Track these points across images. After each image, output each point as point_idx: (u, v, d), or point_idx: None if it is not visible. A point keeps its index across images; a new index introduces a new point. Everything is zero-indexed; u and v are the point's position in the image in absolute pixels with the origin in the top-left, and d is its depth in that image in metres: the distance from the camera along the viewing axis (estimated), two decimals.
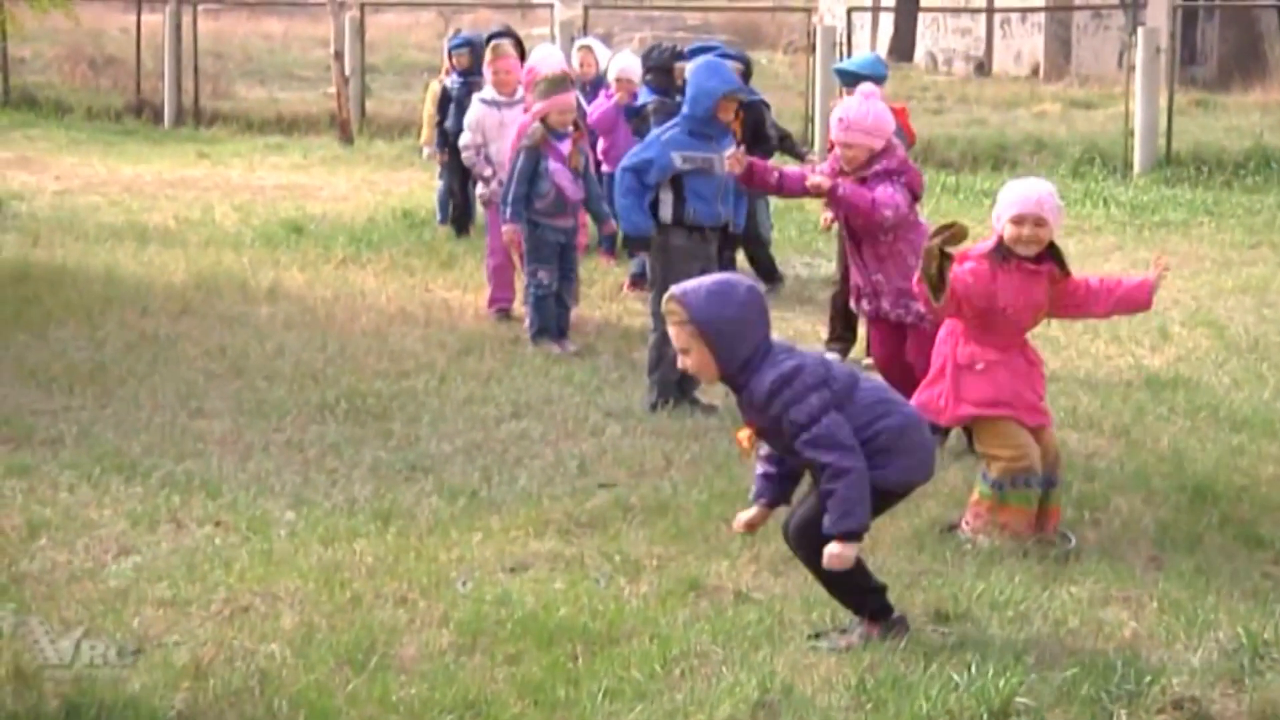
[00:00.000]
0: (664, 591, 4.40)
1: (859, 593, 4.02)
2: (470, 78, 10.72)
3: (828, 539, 3.84)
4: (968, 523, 4.97)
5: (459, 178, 10.99)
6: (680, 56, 9.34)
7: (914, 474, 4.01)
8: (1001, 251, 4.93)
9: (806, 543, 3.97)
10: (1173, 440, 6.16)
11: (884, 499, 3.98)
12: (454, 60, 11.07)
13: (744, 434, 4.00)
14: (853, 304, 6.48)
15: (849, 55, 17.11)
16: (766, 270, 9.51)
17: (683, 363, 3.96)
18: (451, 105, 10.87)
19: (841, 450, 3.77)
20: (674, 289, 3.93)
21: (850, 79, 7.88)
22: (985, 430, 5.03)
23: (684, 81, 9.32)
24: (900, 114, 7.86)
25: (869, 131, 6.00)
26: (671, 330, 3.93)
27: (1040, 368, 5.15)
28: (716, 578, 4.52)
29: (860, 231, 6.13)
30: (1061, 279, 5.02)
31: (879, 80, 7.79)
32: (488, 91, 8.86)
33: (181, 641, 3.97)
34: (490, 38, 10.50)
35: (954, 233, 4.77)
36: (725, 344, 3.84)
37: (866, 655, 3.89)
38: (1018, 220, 4.90)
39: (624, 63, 9.93)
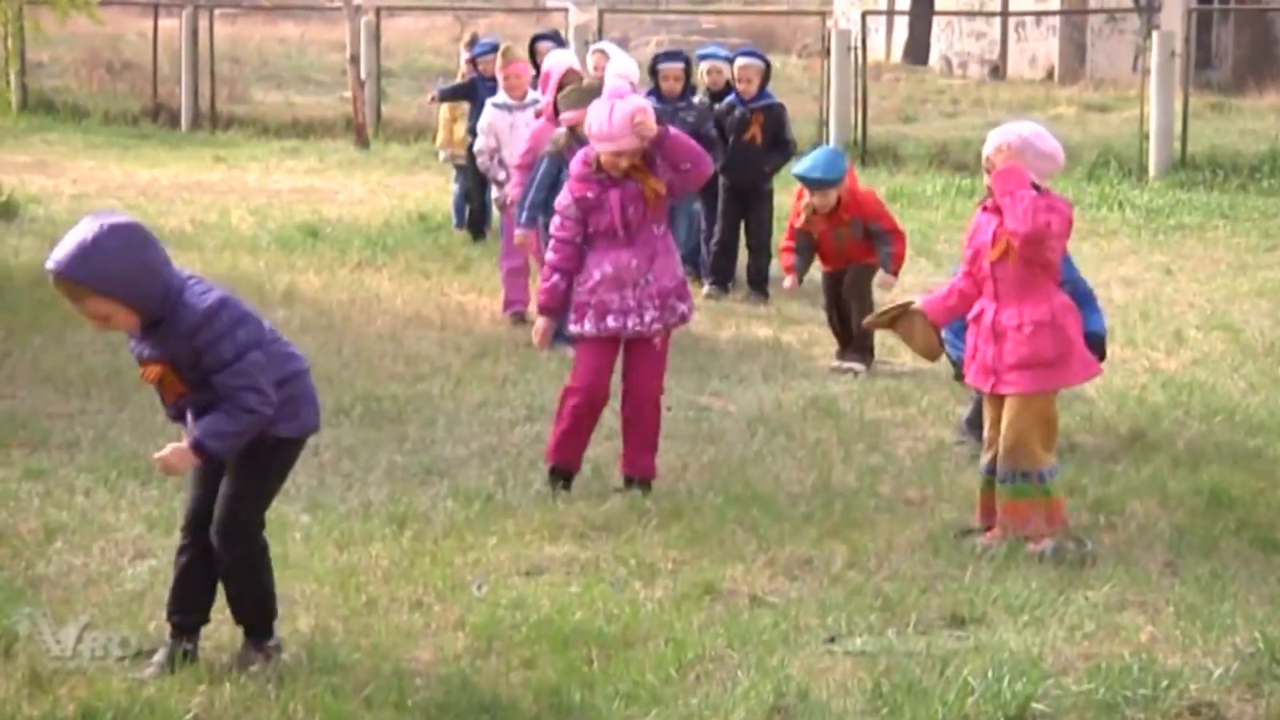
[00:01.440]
0: (679, 595, 4.39)
1: (258, 603, 3.89)
2: (493, 83, 10.76)
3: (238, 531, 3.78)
4: None
5: (476, 181, 11.02)
6: (664, 59, 9.36)
7: (315, 420, 3.93)
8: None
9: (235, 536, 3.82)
10: (1188, 444, 6.14)
11: (293, 448, 3.90)
12: (480, 67, 11.11)
13: (152, 372, 3.72)
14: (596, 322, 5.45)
15: (863, 60, 17.10)
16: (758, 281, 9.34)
17: (101, 327, 3.69)
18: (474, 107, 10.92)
19: (260, 391, 3.67)
20: (51, 266, 3.54)
21: (813, 184, 7.43)
22: None
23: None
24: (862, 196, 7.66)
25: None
26: (80, 309, 3.61)
27: (1023, 331, 4.81)
28: (732, 582, 4.52)
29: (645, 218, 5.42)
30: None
31: (838, 181, 7.38)
32: (499, 95, 8.89)
33: (197, 645, 3.98)
34: (534, 40, 10.50)
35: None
36: (138, 292, 3.58)
37: (882, 659, 3.88)
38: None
39: (620, 67, 9.94)
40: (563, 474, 5.47)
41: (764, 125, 9.18)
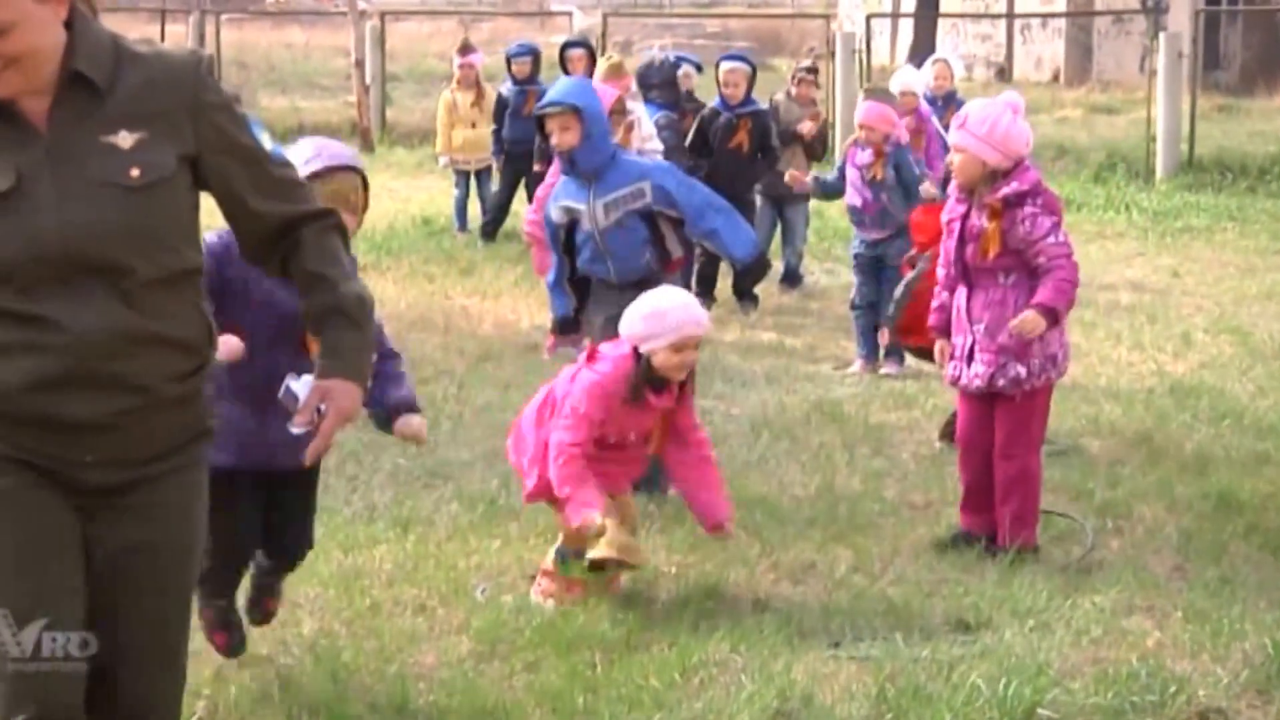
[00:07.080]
0: (683, 599, 4.38)
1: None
2: (529, 86, 10.74)
3: None
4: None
5: (509, 185, 11.04)
6: (679, 64, 9.19)
7: None
8: None
9: None
10: (1196, 448, 6.11)
11: None
12: (514, 68, 11.10)
13: None
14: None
15: (868, 63, 17.07)
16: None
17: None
18: (507, 114, 10.92)
19: None
20: None
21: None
22: None
23: (689, 89, 9.26)
24: None
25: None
26: None
27: None
28: (735, 586, 4.50)
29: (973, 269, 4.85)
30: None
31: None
32: None
33: (201, 648, 3.97)
34: (565, 47, 10.39)
35: None
36: None
37: (887, 664, 3.86)
38: None
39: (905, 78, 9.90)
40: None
41: (751, 132, 8.94)
